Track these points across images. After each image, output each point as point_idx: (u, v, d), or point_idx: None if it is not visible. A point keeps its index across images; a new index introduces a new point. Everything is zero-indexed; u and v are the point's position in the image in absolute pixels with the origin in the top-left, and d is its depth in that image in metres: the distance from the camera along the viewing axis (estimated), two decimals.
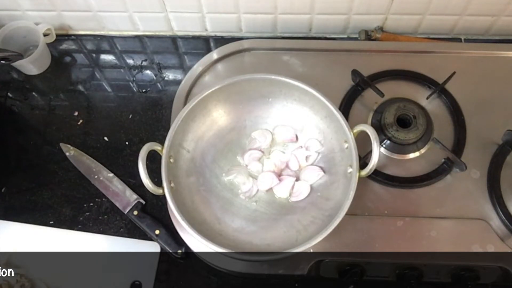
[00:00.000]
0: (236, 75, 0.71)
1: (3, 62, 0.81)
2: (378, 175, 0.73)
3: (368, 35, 0.88)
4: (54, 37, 0.90)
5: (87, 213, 0.77)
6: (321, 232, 0.60)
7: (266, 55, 0.84)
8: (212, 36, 0.93)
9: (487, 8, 0.82)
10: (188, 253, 0.72)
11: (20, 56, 0.83)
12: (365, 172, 0.64)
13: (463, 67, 0.80)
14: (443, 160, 0.74)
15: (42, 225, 0.76)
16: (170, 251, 0.73)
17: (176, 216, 0.62)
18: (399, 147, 0.74)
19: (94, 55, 0.92)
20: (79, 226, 0.77)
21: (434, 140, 0.73)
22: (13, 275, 0.71)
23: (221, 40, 0.92)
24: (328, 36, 0.91)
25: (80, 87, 0.88)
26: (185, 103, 0.79)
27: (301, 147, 0.74)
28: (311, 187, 0.71)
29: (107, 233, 0.76)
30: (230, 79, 0.70)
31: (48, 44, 0.90)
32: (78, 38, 0.93)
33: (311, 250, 0.67)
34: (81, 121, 0.85)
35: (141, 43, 0.93)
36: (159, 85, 0.88)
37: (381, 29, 0.88)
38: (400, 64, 0.82)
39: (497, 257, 0.67)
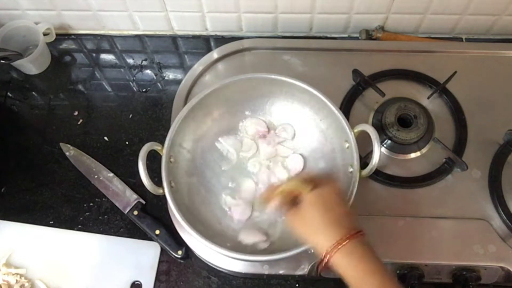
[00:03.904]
0: (236, 74, 0.70)
1: (3, 61, 0.81)
2: (379, 175, 0.73)
3: (369, 35, 0.88)
4: (54, 37, 0.90)
5: (87, 213, 0.77)
6: None
7: (266, 54, 0.84)
8: (212, 36, 0.92)
9: (489, 7, 0.82)
10: (188, 253, 0.72)
11: (20, 55, 0.82)
12: (366, 172, 0.64)
13: (464, 67, 0.80)
14: (444, 160, 0.74)
15: (42, 225, 0.76)
16: (170, 251, 0.72)
17: (176, 216, 0.62)
18: (400, 147, 0.74)
19: (94, 54, 0.92)
20: (79, 226, 0.76)
21: (435, 139, 0.73)
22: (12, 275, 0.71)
23: (221, 40, 0.91)
24: (328, 35, 0.91)
25: (80, 87, 0.88)
26: (185, 102, 0.79)
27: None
28: None
29: (107, 233, 0.75)
30: (231, 79, 0.70)
31: (48, 44, 0.89)
32: (78, 37, 0.93)
33: (312, 250, 0.67)
34: (81, 120, 0.85)
35: (141, 43, 0.93)
36: (159, 84, 0.88)
37: (382, 28, 0.88)
38: (401, 64, 0.81)
39: (498, 257, 0.66)
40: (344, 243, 0.50)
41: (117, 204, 0.77)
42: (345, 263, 0.51)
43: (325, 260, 0.51)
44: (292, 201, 0.56)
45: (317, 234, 0.53)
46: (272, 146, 0.73)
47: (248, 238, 0.66)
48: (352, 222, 0.53)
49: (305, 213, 0.54)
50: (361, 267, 0.50)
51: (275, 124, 0.75)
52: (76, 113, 0.85)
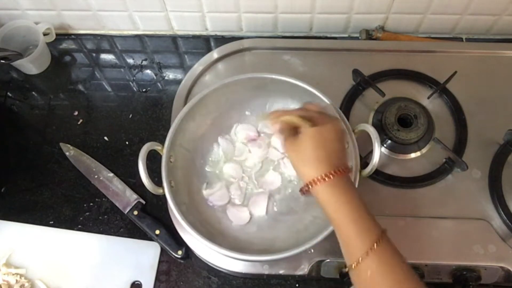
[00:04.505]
0: (236, 74, 0.70)
1: (3, 61, 0.81)
2: (379, 175, 0.73)
3: (369, 35, 0.88)
4: (54, 37, 0.90)
5: (87, 213, 0.77)
6: (321, 232, 0.60)
7: (266, 54, 0.84)
8: (212, 36, 0.92)
9: (489, 7, 0.82)
10: (188, 253, 0.72)
11: (20, 55, 0.82)
12: (366, 172, 0.64)
13: (465, 67, 0.80)
14: (444, 159, 0.73)
15: (42, 225, 0.76)
16: (170, 251, 0.72)
17: (176, 216, 0.62)
18: (400, 146, 0.74)
19: (94, 54, 0.92)
20: (79, 226, 0.76)
21: (435, 139, 0.73)
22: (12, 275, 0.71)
23: (221, 40, 0.91)
24: (329, 35, 0.91)
25: (80, 87, 0.88)
26: (185, 102, 0.79)
27: None
28: None
29: (107, 233, 0.75)
30: (231, 79, 0.70)
31: (48, 44, 0.89)
32: (78, 37, 0.93)
33: (312, 250, 0.67)
34: (81, 120, 0.85)
35: (141, 43, 0.93)
36: (159, 84, 0.88)
37: (382, 28, 0.88)
38: (401, 64, 0.81)
39: (498, 257, 0.66)
40: (329, 178, 0.53)
41: (117, 204, 0.77)
42: (326, 195, 0.54)
43: (308, 187, 0.55)
44: (293, 129, 0.59)
45: (306, 166, 0.56)
46: (263, 149, 0.73)
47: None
48: (341, 160, 0.57)
49: (300, 144, 0.57)
50: (341, 199, 0.53)
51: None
52: (76, 113, 0.85)
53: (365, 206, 0.54)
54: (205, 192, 0.71)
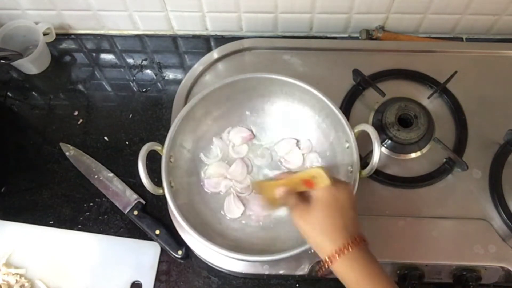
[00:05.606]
0: (236, 74, 0.70)
1: (3, 61, 0.81)
2: (379, 175, 0.73)
3: (369, 35, 0.88)
4: (54, 36, 0.90)
5: (87, 213, 0.77)
6: None
7: (266, 54, 0.84)
8: (212, 35, 0.92)
9: (489, 7, 0.82)
10: (188, 253, 0.72)
11: (20, 55, 0.82)
12: (366, 172, 0.64)
13: (465, 67, 0.80)
14: (444, 159, 0.73)
15: (42, 225, 0.76)
16: (170, 251, 0.72)
17: (176, 216, 0.62)
18: (400, 146, 0.74)
19: (94, 54, 0.92)
20: (79, 226, 0.76)
21: (436, 139, 0.73)
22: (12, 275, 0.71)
23: (221, 39, 0.91)
24: (329, 35, 0.91)
25: (80, 87, 0.88)
26: (185, 102, 0.79)
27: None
28: None
29: (107, 233, 0.75)
30: (231, 78, 0.70)
31: (48, 44, 0.89)
32: (78, 37, 0.93)
33: (312, 250, 0.67)
34: (81, 120, 0.85)
35: (141, 43, 0.93)
36: (159, 84, 0.88)
37: (382, 28, 0.88)
38: (401, 64, 0.81)
39: (498, 257, 0.66)
40: (348, 250, 0.50)
41: (117, 204, 0.77)
42: (346, 269, 0.50)
43: (327, 264, 0.51)
44: (301, 195, 0.55)
45: (322, 236, 0.52)
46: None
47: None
48: (357, 228, 0.53)
49: (315, 213, 0.52)
50: (362, 273, 0.50)
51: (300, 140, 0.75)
52: (76, 113, 0.85)
53: (387, 276, 0.51)
54: (203, 174, 0.72)
